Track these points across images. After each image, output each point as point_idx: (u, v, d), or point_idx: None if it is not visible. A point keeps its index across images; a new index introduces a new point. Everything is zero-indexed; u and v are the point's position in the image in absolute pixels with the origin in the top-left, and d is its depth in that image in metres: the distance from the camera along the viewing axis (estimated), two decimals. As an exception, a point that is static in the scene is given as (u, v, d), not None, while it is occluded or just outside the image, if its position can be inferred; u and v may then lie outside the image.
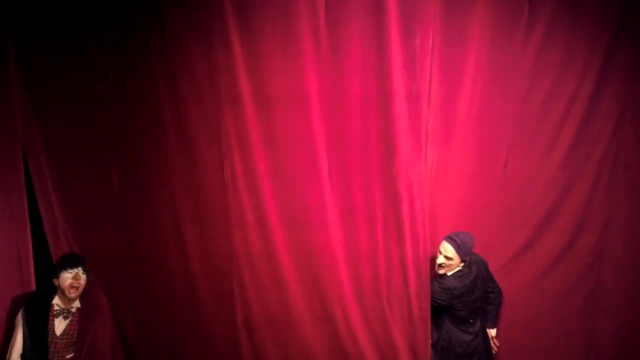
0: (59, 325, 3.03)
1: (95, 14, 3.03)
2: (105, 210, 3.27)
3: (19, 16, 3.01)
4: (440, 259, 3.32)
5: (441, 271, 3.36)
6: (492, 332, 3.58)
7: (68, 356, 3.02)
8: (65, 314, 3.04)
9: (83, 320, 3.05)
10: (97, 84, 3.11)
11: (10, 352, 2.98)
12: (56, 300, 3.06)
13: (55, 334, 3.01)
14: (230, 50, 3.04)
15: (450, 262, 3.31)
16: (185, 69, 3.07)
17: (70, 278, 2.99)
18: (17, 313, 3.04)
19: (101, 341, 3.10)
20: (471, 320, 3.40)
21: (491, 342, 3.55)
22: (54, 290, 3.06)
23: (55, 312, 3.03)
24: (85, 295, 3.09)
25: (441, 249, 3.33)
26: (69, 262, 3.04)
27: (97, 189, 3.24)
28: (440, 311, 3.40)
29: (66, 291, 3.00)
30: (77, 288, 3.02)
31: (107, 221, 3.28)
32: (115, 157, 3.21)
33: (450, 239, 3.31)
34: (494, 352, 3.56)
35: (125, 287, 3.36)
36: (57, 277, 3.02)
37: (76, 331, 3.03)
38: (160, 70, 3.08)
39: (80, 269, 3.03)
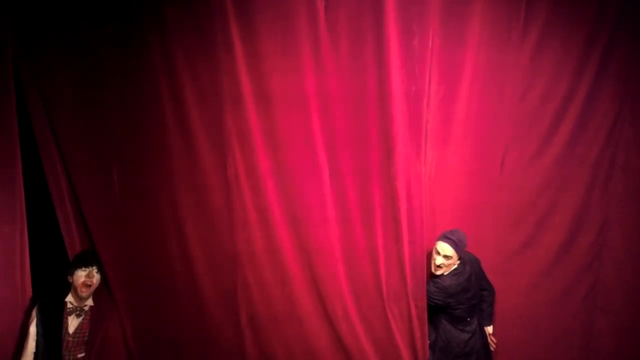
0: (72, 323, 3.07)
1: (97, 15, 3.02)
2: (107, 210, 3.25)
3: (20, 16, 3.00)
4: (439, 260, 3.32)
5: (439, 272, 3.36)
6: (489, 329, 3.61)
7: (79, 355, 3.05)
8: (78, 312, 3.08)
9: (95, 320, 3.09)
10: (98, 84, 3.10)
11: (24, 348, 3.00)
12: (69, 298, 3.10)
13: (68, 332, 3.04)
14: (232, 50, 3.04)
15: (450, 261, 3.32)
16: (187, 69, 3.07)
17: (84, 276, 3.05)
18: (27, 312, 3.07)
19: (112, 342, 3.14)
20: (468, 319, 3.41)
21: (489, 339, 3.57)
22: (68, 288, 3.10)
23: (68, 310, 3.07)
24: (99, 296, 3.14)
25: (438, 249, 3.33)
26: (84, 260, 3.10)
27: (98, 189, 3.23)
28: (437, 311, 3.41)
29: (78, 289, 3.05)
30: (90, 287, 3.08)
31: (109, 221, 3.27)
32: (117, 157, 3.20)
33: (447, 238, 3.32)
34: (492, 349, 3.57)
35: (127, 287, 3.35)
36: (72, 274, 3.08)
37: (88, 330, 3.07)
38: (162, 71, 3.07)
39: (94, 267, 3.10)
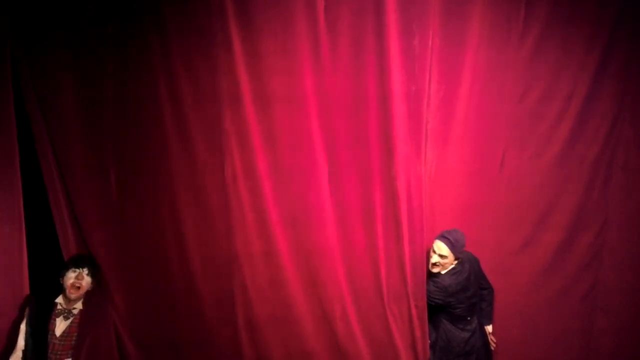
0: (59, 325, 3.03)
1: (97, 15, 3.03)
2: (105, 211, 3.25)
3: (20, 16, 3.00)
4: (435, 258, 3.33)
5: (435, 270, 3.37)
6: (489, 328, 3.60)
7: None
8: (66, 314, 3.05)
9: (84, 324, 3.04)
10: (96, 83, 3.10)
11: (15, 345, 3.01)
12: (59, 299, 3.08)
13: (55, 335, 3.01)
14: (231, 50, 3.04)
15: (445, 261, 3.32)
16: (186, 69, 3.07)
17: (73, 278, 3.03)
18: (21, 311, 3.08)
19: (102, 348, 3.11)
20: (468, 318, 3.41)
21: (489, 338, 3.57)
22: (61, 289, 3.08)
23: (57, 311, 3.05)
24: (89, 301, 3.11)
25: (435, 248, 3.34)
26: (75, 262, 3.09)
27: (95, 190, 3.23)
28: (437, 310, 3.40)
29: (67, 290, 3.03)
30: (79, 289, 3.05)
31: (106, 222, 3.26)
32: (114, 157, 3.20)
33: (444, 238, 3.32)
34: (492, 348, 3.57)
35: (125, 289, 3.34)
36: (63, 275, 3.06)
37: (75, 334, 3.02)
38: (161, 70, 3.07)
39: (85, 269, 3.07)
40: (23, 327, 3.01)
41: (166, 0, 3.00)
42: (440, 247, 3.31)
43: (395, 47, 3.08)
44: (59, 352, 2.99)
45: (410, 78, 3.13)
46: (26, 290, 3.14)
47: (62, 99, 3.11)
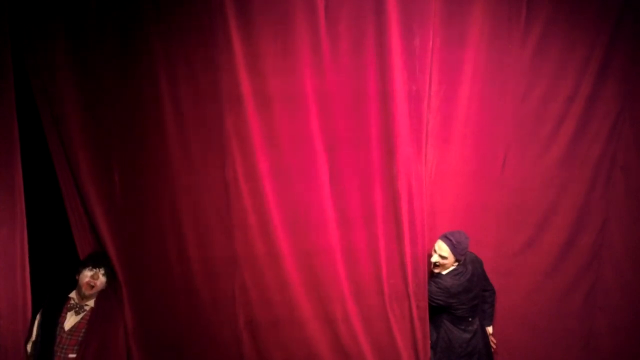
0: (70, 319, 3.09)
1: (97, 15, 3.03)
2: (106, 211, 3.24)
3: (20, 16, 3.00)
4: (435, 258, 3.34)
5: (436, 270, 3.38)
6: (489, 329, 3.61)
7: (71, 355, 3.03)
8: (77, 309, 3.10)
9: (93, 321, 3.09)
10: (98, 84, 3.10)
11: (31, 335, 3.06)
12: (73, 294, 3.14)
13: (63, 328, 3.06)
14: (232, 51, 3.04)
15: (445, 261, 3.33)
16: (187, 69, 3.07)
17: (89, 277, 3.10)
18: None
19: (111, 346, 3.14)
20: (470, 319, 3.41)
21: (490, 339, 3.57)
22: (75, 284, 3.15)
23: (69, 305, 3.11)
24: (102, 299, 3.16)
25: (436, 247, 3.35)
26: (92, 261, 3.15)
27: (101, 189, 3.22)
28: (438, 311, 3.40)
29: (82, 288, 3.09)
30: (93, 287, 3.12)
31: (112, 221, 3.25)
32: (116, 158, 3.20)
33: (446, 238, 3.32)
34: (493, 349, 3.57)
35: (126, 290, 3.33)
36: (79, 273, 3.13)
37: (83, 330, 3.06)
38: (161, 70, 3.07)
39: (101, 270, 3.14)
40: (38, 316, 3.07)
41: (167, 0, 3.00)
42: (441, 247, 3.32)
43: (396, 47, 3.08)
44: (65, 346, 3.03)
45: (411, 78, 3.13)
46: (28, 291, 3.12)
47: (64, 99, 3.10)
